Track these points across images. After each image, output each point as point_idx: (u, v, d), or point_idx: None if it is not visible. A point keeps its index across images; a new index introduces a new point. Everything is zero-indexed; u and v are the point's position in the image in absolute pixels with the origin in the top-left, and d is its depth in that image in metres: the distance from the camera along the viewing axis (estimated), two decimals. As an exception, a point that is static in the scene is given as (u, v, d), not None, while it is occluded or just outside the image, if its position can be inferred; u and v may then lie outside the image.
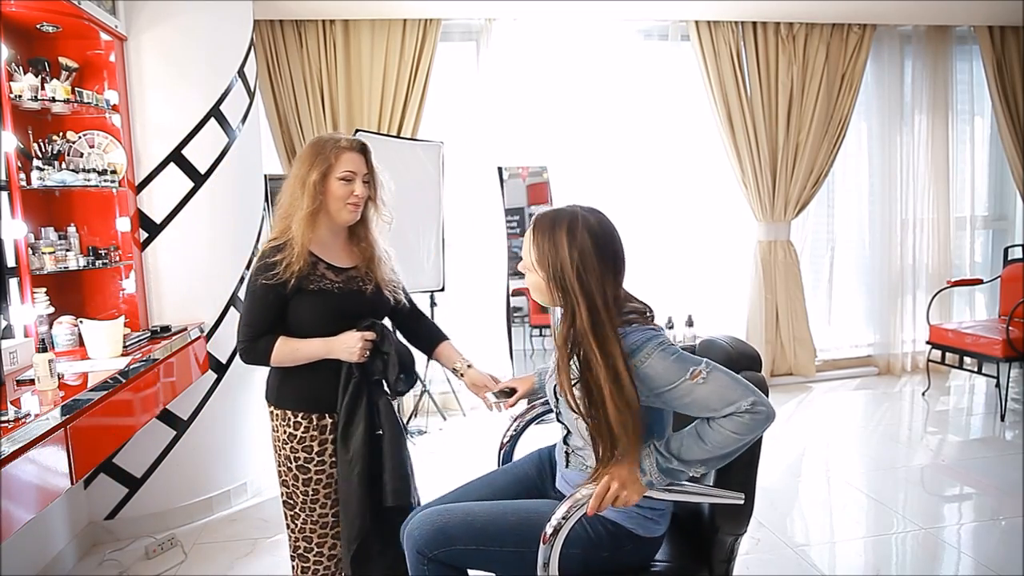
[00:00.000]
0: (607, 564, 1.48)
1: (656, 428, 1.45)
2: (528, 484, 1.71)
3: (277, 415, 1.78)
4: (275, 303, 1.70)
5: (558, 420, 1.58)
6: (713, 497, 1.44)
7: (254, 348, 1.72)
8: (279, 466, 1.81)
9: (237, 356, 3.07)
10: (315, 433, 1.76)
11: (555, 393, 1.53)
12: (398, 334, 1.92)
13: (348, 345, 1.69)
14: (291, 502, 1.81)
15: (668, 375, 1.32)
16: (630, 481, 1.34)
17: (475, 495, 1.67)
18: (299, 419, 1.75)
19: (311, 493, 1.78)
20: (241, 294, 3.08)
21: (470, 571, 1.56)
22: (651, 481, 1.34)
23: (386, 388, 1.79)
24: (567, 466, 1.58)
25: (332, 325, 1.72)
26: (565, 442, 1.59)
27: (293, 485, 1.79)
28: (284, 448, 1.77)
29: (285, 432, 1.77)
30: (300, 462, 1.76)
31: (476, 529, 1.47)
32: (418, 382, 1.88)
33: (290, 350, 1.71)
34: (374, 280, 1.82)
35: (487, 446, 2.09)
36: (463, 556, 1.47)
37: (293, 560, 1.86)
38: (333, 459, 1.76)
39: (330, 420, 1.76)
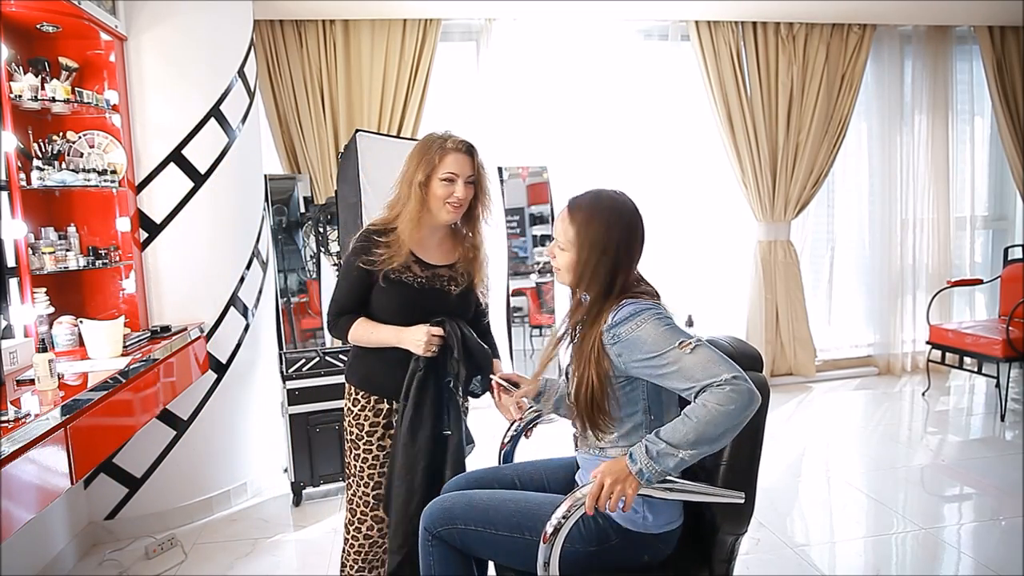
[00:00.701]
0: (594, 560, 1.48)
1: (654, 408, 1.47)
2: (559, 476, 1.72)
3: (346, 389, 1.90)
4: (362, 287, 1.79)
5: (569, 400, 1.60)
6: (713, 496, 1.44)
7: (336, 323, 1.84)
8: (344, 436, 1.92)
9: (236, 357, 3.09)
10: (369, 414, 1.85)
11: (567, 372, 1.60)
12: None
13: (416, 337, 1.73)
14: (348, 472, 1.93)
15: (659, 341, 1.35)
16: (623, 475, 1.33)
17: (508, 471, 1.73)
18: (359, 396, 1.86)
19: (357, 470, 1.88)
20: (241, 294, 3.08)
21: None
22: (641, 469, 1.32)
23: (457, 388, 1.80)
24: (576, 448, 1.62)
25: (408, 318, 1.77)
26: (574, 424, 1.61)
27: (347, 456, 1.91)
28: (345, 420, 1.90)
29: (346, 407, 1.89)
30: (353, 437, 1.88)
31: (477, 511, 1.52)
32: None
33: (365, 331, 1.80)
34: (465, 282, 1.85)
35: (488, 446, 2.09)
36: (463, 536, 1.51)
37: (343, 528, 1.97)
38: (381, 443, 1.85)
39: (387, 405, 1.85)
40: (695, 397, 1.31)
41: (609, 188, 1.54)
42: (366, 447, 1.86)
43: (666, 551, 1.51)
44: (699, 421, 1.28)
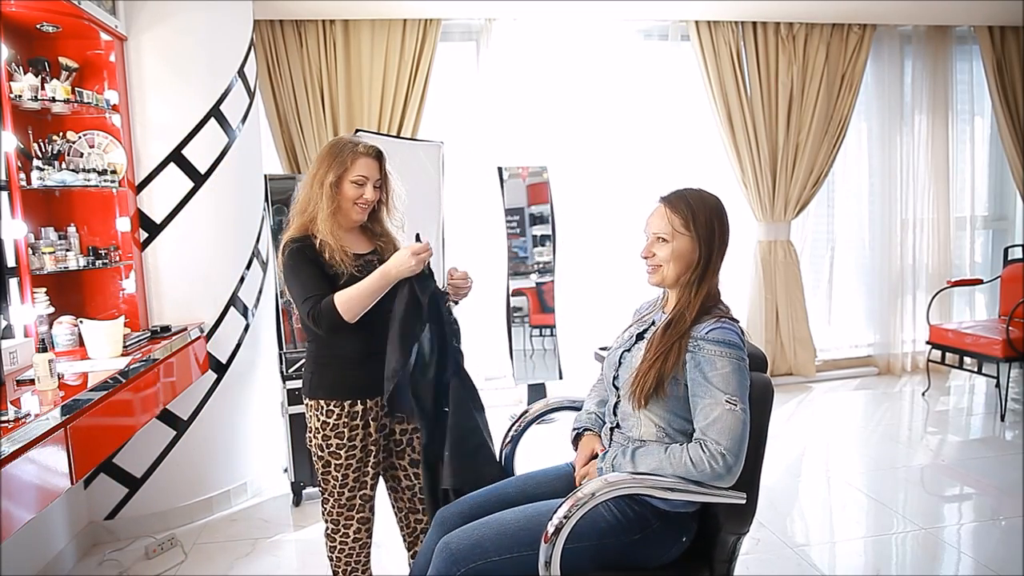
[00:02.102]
0: (639, 548, 1.49)
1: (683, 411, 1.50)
2: (567, 479, 1.71)
3: (311, 406, 1.88)
4: (320, 271, 1.78)
5: (613, 385, 1.62)
6: (715, 496, 1.44)
7: (321, 309, 1.73)
8: (312, 456, 1.91)
9: (236, 357, 3.08)
10: (347, 419, 1.84)
11: (620, 359, 1.60)
12: None
13: (402, 260, 1.72)
14: (324, 487, 1.92)
15: (723, 382, 1.41)
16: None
17: (510, 489, 1.70)
18: (331, 407, 1.84)
19: (341, 478, 1.87)
20: (241, 294, 3.08)
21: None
22: (601, 467, 1.50)
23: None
24: (609, 443, 1.61)
25: None
26: (614, 412, 1.61)
27: (325, 471, 1.89)
28: (316, 437, 1.87)
29: (318, 420, 1.86)
30: (332, 448, 1.85)
31: (509, 537, 1.47)
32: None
33: (355, 292, 1.73)
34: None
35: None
36: (498, 568, 1.45)
37: (325, 539, 1.98)
38: (363, 443, 1.86)
39: (361, 406, 1.85)
40: (691, 436, 1.43)
41: (699, 188, 1.61)
42: (348, 453, 1.85)
43: (695, 530, 1.56)
44: (670, 462, 1.41)
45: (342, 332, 1.76)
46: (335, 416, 1.84)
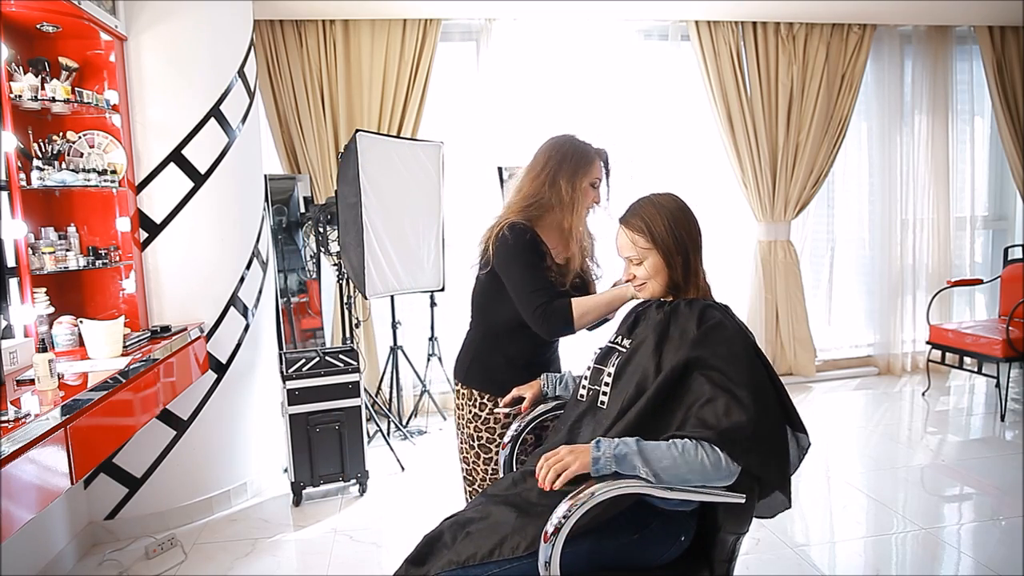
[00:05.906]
0: (636, 548, 1.48)
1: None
2: None
3: (464, 394, 1.86)
4: (544, 263, 1.76)
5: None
6: (714, 496, 1.44)
7: (554, 308, 1.69)
8: (461, 443, 1.88)
9: (236, 357, 3.07)
10: (499, 416, 1.81)
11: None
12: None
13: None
14: (470, 478, 1.88)
15: None
16: (580, 451, 1.36)
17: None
18: (484, 400, 1.82)
19: (491, 472, 1.84)
20: (241, 294, 3.08)
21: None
22: (598, 457, 1.34)
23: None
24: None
25: None
26: None
27: (474, 463, 1.85)
28: (468, 427, 1.84)
29: (471, 412, 1.84)
30: (482, 441, 1.83)
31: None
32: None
33: (592, 304, 1.71)
34: (577, 273, 1.89)
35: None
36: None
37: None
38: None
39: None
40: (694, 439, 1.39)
41: (650, 194, 1.60)
42: (497, 449, 1.82)
43: (693, 530, 1.55)
44: (684, 459, 1.34)
45: (517, 333, 1.77)
46: (487, 410, 1.82)
